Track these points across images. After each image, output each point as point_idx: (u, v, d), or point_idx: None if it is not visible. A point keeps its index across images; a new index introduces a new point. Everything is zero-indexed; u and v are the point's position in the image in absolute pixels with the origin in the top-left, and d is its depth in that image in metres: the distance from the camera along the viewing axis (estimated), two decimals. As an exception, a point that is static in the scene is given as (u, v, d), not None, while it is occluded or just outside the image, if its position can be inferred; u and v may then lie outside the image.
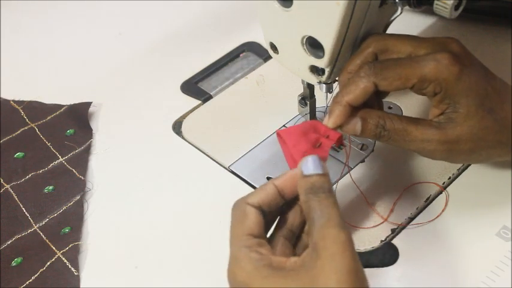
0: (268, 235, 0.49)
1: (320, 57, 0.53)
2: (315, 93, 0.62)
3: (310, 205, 0.46)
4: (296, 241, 0.49)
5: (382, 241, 0.56)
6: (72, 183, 0.64)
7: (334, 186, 0.60)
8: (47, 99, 0.73)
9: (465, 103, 0.50)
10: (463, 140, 0.51)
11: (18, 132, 0.69)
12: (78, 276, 0.56)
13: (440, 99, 0.51)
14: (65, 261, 0.57)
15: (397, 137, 0.52)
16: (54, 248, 0.58)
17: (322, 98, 0.60)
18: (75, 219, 0.61)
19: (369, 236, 0.56)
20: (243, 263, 0.45)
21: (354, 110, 0.51)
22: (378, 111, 0.52)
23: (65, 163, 0.66)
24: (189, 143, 0.67)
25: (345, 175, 0.61)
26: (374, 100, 0.53)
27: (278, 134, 0.52)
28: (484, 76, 0.52)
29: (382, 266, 0.54)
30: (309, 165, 0.48)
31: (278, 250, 0.48)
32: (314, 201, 0.46)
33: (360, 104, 0.51)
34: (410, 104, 0.67)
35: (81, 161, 0.66)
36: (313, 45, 0.53)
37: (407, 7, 0.50)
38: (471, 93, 0.50)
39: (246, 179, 0.63)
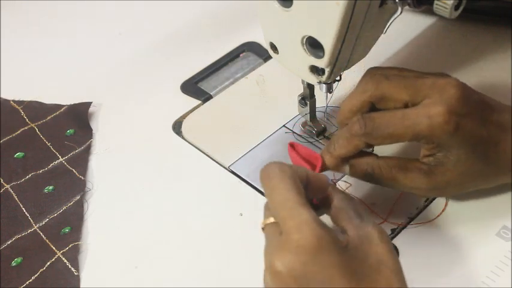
0: None
1: (320, 57, 0.53)
2: (315, 93, 0.62)
3: (350, 202, 0.48)
4: None
5: (382, 241, 0.56)
6: (72, 183, 0.64)
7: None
8: (47, 99, 0.73)
9: (456, 153, 0.51)
10: (451, 185, 0.53)
11: (18, 132, 0.69)
12: (78, 276, 0.56)
13: (432, 146, 0.51)
14: (65, 261, 0.57)
15: (386, 183, 0.54)
16: (54, 248, 0.58)
17: (322, 98, 0.60)
18: (75, 219, 0.61)
19: (369, 236, 0.56)
20: (322, 231, 0.42)
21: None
22: (368, 159, 0.54)
23: (65, 163, 0.66)
24: (189, 143, 0.67)
25: (344, 175, 0.61)
26: None
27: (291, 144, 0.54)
28: (480, 120, 0.51)
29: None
30: None
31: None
32: (353, 201, 0.48)
33: (350, 155, 0.54)
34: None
35: (81, 161, 0.66)
36: (313, 45, 0.53)
37: (407, 7, 0.50)
38: (464, 145, 0.50)
39: (246, 179, 0.63)
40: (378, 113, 0.52)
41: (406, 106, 0.51)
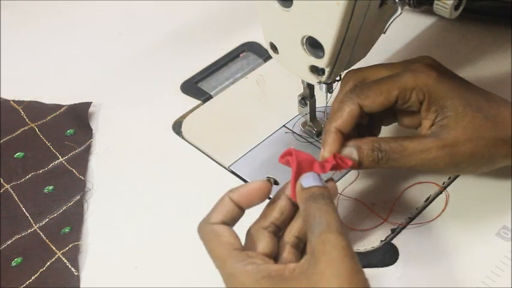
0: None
1: (320, 57, 0.53)
2: (315, 93, 0.62)
3: (309, 212, 0.46)
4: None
5: (382, 241, 0.56)
6: (72, 183, 0.64)
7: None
8: (47, 99, 0.73)
9: (451, 105, 0.51)
10: (461, 141, 0.51)
11: (18, 132, 0.69)
12: (78, 276, 0.56)
13: (426, 107, 0.52)
14: (65, 261, 0.57)
15: (395, 156, 0.52)
16: (54, 248, 0.58)
17: (322, 98, 0.60)
18: (75, 219, 0.61)
19: (369, 236, 0.56)
20: (241, 278, 0.44)
21: (347, 140, 0.53)
22: (371, 137, 0.53)
23: (65, 163, 0.66)
24: (189, 143, 0.67)
25: (344, 175, 0.61)
26: (368, 130, 0.56)
27: (290, 152, 0.50)
28: (462, 81, 0.54)
29: (382, 266, 0.54)
30: (310, 179, 0.48)
31: (284, 258, 0.47)
32: (313, 208, 0.46)
33: (349, 129, 0.53)
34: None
35: (81, 161, 0.66)
36: (313, 45, 0.53)
37: (407, 7, 0.50)
38: (455, 95, 0.52)
39: (246, 179, 0.63)
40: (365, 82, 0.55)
41: None
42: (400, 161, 0.52)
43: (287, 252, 0.48)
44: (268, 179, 0.49)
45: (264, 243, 0.47)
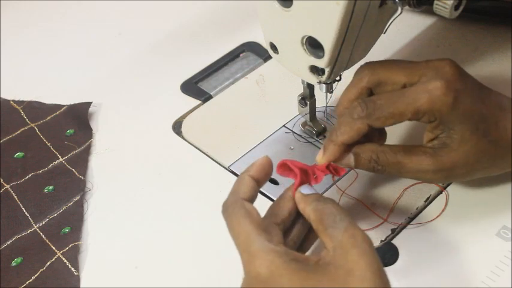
0: None
1: (320, 57, 0.53)
2: (315, 93, 0.62)
3: (326, 211, 0.47)
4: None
5: (382, 241, 0.56)
6: (72, 183, 0.64)
7: (334, 186, 0.60)
8: (47, 99, 0.73)
9: (459, 129, 0.50)
10: (458, 166, 0.52)
11: (18, 132, 0.69)
12: (78, 276, 0.56)
13: (435, 126, 0.51)
14: (65, 261, 0.57)
15: (391, 170, 0.53)
16: (54, 248, 0.58)
17: (322, 98, 0.60)
18: (75, 219, 0.61)
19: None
20: (270, 257, 0.43)
21: (348, 145, 0.53)
22: (372, 146, 0.53)
23: (65, 163, 0.66)
24: (189, 143, 0.67)
25: (344, 175, 0.61)
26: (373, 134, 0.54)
27: (284, 163, 0.52)
28: (478, 97, 0.51)
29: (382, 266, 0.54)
30: (306, 189, 0.50)
31: None
32: (328, 208, 0.47)
33: (353, 142, 0.52)
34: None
35: (81, 161, 0.66)
36: (313, 45, 0.53)
37: (407, 7, 0.50)
38: (466, 120, 0.50)
39: (246, 179, 0.63)
40: (377, 95, 0.52)
41: (403, 88, 0.52)
42: (394, 174, 0.53)
43: None
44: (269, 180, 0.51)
45: (278, 237, 0.47)
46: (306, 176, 0.51)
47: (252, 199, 0.49)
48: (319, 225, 0.46)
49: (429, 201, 0.59)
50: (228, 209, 0.48)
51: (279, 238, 0.46)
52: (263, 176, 0.50)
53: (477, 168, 0.53)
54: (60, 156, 0.67)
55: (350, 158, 0.53)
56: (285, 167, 0.52)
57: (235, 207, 0.47)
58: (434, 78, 0.50)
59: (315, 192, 0.50)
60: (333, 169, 0.53)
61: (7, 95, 0.74)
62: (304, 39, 0.53)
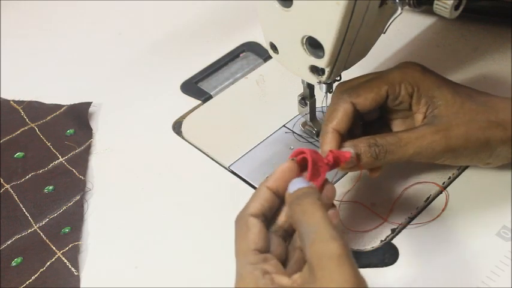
0: None
1: (320, 57, 0.53)
2: (315, 93, 0.62)
3: (296, 218, 0.45)
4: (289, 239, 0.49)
5: (382, 241, 0.56)
6: (72, 183, 0.64)
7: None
8: (47, 99, 0.73)
9: (440, 94, 0.54)
10: (453, 125, 0.53)
11: (18, 132, 0.69)
12: (78, 276, 0.56)
13: (416, 100, 0.54)
14: (65, 261, 0.57)
15: (392, 147, 0.53)
16: (54, 248, 0.58)
17: (322, 98, 0.60)
18: (75, 219, 0.61)
19: (369, 236, 0.56)
20: (246, 281, 0.44)
21: (343, 141, 0.54)
22: (366, 136, 0.54)
23: (65, 163, 0.66)
24: (189, 143, 0.67)
25: (343, 175, 0.61)
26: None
27: (302, 151, 0.50)
28: (447, 79, 0.56)
29: (382, 266, 0.54)
30: (296, 184, 0.47)
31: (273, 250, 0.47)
32: (298, 212, 0.45)
33: (345, 129, 0.54)
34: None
35: (81, 161, 0.66)
36: (313, 45, 0.53)
37: (407, 7, 0.50)
38: (442, 84, 0.54)
39: (246, 179, 0.63)
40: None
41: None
42: (397, 152, 0.53)
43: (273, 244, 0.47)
44: (293, 159, 0.49)
45: (272, 247, 0.46)
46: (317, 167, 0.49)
47: (265, 212, 0.47)
48: (297, 235, 0.46)
49: (429, 201, 0.59)
50: (235, 223, 0.48)
51: (272, 249, 0.46)
52: (283, 185, 0.48)
53: (475, 128, 0.53)
54: (60, 156, 0.67)
55: (350, 150, 0.53)
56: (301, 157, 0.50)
57: (239, 223, 0.47)
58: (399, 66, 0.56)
59: (304, 186, 0.47)
60: (337, 154, 0.52)
61: (7, 95, 0.74)
62: (304, 39, 0.53)
